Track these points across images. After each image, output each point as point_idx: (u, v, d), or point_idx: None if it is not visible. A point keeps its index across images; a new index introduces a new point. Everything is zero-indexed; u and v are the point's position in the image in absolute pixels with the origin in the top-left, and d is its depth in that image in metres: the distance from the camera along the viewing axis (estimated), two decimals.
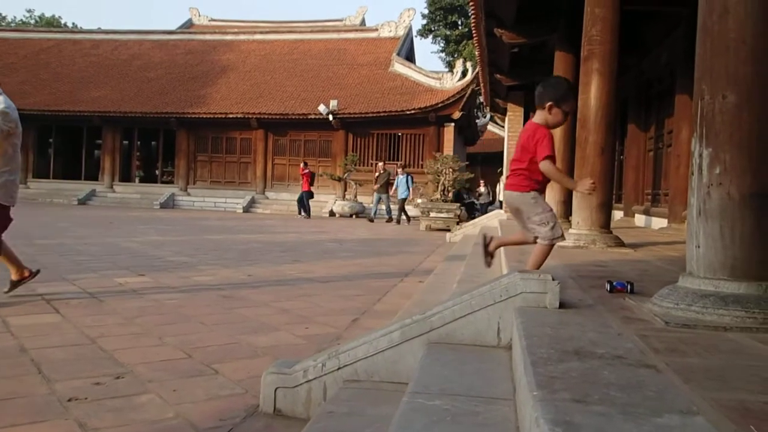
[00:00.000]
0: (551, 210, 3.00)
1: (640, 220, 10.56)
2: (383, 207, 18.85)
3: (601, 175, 5.58)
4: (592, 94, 5.66)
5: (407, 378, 2.23)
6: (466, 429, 1.55)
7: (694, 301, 2.14)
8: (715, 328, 2.00)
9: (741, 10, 2.28)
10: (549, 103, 2.94)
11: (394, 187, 18.63)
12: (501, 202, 22.01)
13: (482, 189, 23.94)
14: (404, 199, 18.00)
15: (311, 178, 20.43)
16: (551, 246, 2.97)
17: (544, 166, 2.87)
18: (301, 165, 20.61)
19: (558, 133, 8.31)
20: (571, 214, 6.13)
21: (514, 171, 3.03)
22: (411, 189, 18.44)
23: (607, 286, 2.82)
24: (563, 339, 1.83)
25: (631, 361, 1.60)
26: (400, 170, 18.88)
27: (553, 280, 2.34)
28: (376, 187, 18.72)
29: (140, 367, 2.99)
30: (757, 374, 1.51)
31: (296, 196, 21.26)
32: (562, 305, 2.33)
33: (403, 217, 17.94)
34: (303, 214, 19.68)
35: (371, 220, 18.36)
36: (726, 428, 1.13)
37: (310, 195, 20.16)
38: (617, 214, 11.77)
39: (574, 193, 5.79)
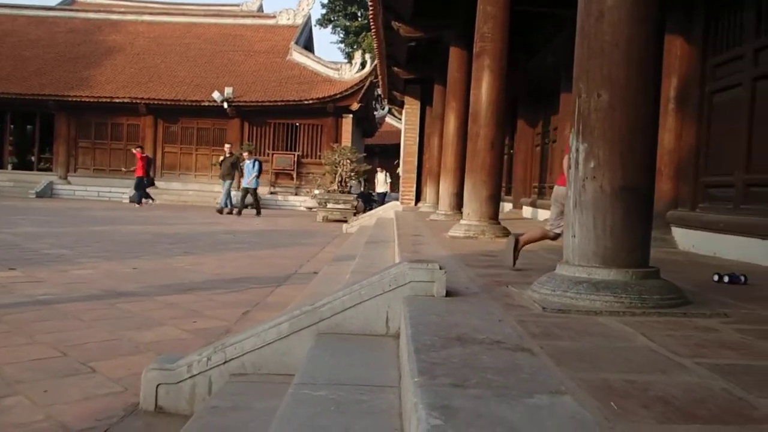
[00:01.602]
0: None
1: (527, 211, 11.04)
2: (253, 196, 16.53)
3: (491, 168, 5.78)
4: (483, 90, 5.83)
5: (296, 370, 2.20)
6: (351, 418, 1.55)
7: (569, 288, 2.26)
8: (587, 312, 2.13)
9: (615, 15, 2.41)
10: None
11: (251, 174, 16.26)
12: (383, 194, 22.11)
13: (380, 176, 23.21)
14: (251, 188, 16.21)
15: (147, 163, 18.62)
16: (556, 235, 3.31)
17: (565, 160, 3.12)
18: (138, 149, 18.98)
19: (451, 126, 8.54)
20: (462, 206, 6.30)
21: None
22: (253, 175, 16.33)
23: (716, 277, 3.10)
24: (447, 326, 1.87)
25: (509, 345, 1.66)
26: (246, 154, 17.05)
27: (441, 269, 2.40)
28: (221, 173, 16.66)
29: (8, 367, 2.77)
30: (621, 355, 1.62)
31: (188, 186, 20.51)
32: (449, 293, 2.38)
33: (233, 207, 16.12)
34: (144, 201, 18.17)
35: (237, 212, 16.02)
36: (590, 405, 1.19)
37: (150, 182, 18.71)
38: (507, 206, 12.26)
39: (465, 185, 5.96)
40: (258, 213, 15.89)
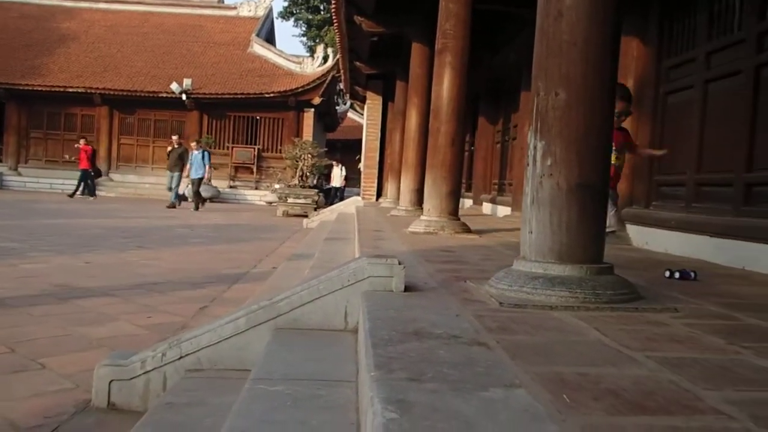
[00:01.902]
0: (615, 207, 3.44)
1: (487, 208, 11.17)
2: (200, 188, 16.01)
3: (451, 164, 5.81)
4: (444, 86, 5.86)
5: (253, 365, 2.18)
6: (307, 412, 1.55)
7: (525, 283, 2.29)
8: (543, 307, 2.16)
9: (573, 15, 2.45)
10: None
11: (200, 165, 15.71)
12: (338, 189, 21.81)
13: (336, 171, 22.71)
14: (200, 180, 15.78)
15: (92, 155, 18.19)
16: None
17: None
18: (82, 141, 18.54)
19: (413, 122, 8.56)
20: (423, 202, 6.33)
21: None
22: (207, 167, 15.89)
23: (667, 273, 3.16)
24: (405, 321, 1.88)
25: (465, 340, 1.68)
26: (194, 145, 16.34)
27: (400, 264, 2.40)
28: (168, 164, 16.05)
29: None
30: (575, 349, 1.65)
31: (145, 179, 20.08)
32: (407, 288, 2.39)
33: (180, 200, 15.59)
34: (87, 194, 17.72)
35: (173, 206, 15.33)
36: (543, 398, 1.21)
37: (98, 173, 18.31)
38: (467, 203, 12.38)
39: (425, 181, 5.98)
40: (196, 208, 15.18)
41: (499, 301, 2.22)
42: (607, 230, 3.36)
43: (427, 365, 1.41)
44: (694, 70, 4.84)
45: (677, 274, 3.18)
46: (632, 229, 5.48)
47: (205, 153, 15.96)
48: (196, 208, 15.08)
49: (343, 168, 22.67)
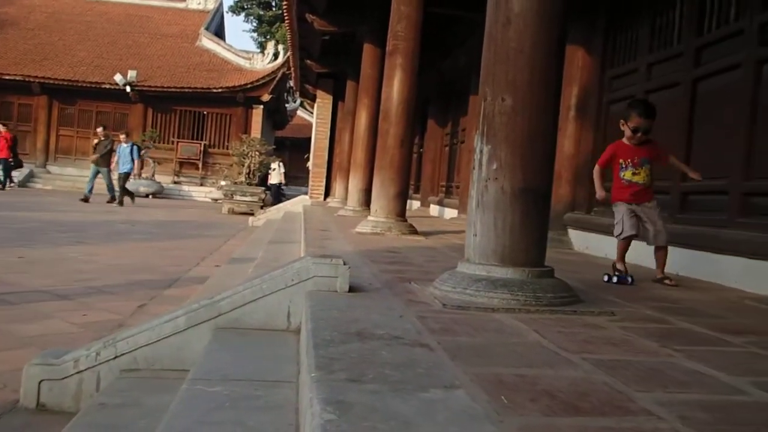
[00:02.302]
0: (621, 217, 3.47)
1: (434, 210, 11.26)
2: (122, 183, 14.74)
3: (400, 166, 5.83)
4: (395, 88, 5.88)
5: (192, 365, 2.13)
6: (246, 413, 1.52)
7: (469, 285, 2.32)
8: (485, 309, 2.19)
9: (521, 22, 2.49)
10: (621, 121, 3.52)
11: (127, 159, 14.64)
12: (277, 186, 21.15)
13: (274, 165, 21.69)
14: (127, 174, 14.71)
15: (12, 144, 17.10)
16: (620, 241, 3.49)
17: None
18: (2, 128, 17.36)
19: (362, 123, 8.56)
20: (371, 203, 6.33)
21: None
22: (136, 161, 14.93)
23: (605, 278, 3.22)
24: (348, 321, 1.87)
25: (407, 341, 1.68)
26: (123, 137, 15.18)
27: (345, 264, 2.39)
28: (93, 157, 14.88)
29: None
30: (513, 350, 1.68)
31: (84, 173, 19.35)
32: (352, 289, 2.38)
33: (126, 196, 14.71)
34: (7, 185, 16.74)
35: (86, 200, 14.26)
36: (481, 399, 1.23)
37: (18, 164, 17.37)
38: (415, 204, 12.45)
39: (374, 182, 5.99)
40: (120, 203, 14.30)
41: (443, 302, 2.24)
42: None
43: (369, 366, 1.41)
44: (635, 81, 5.00)
45: (615, 279, 3.27)
46: (573, 234, 5.62)
47: (134, 146, 15.06)
48: (121, 204, 14.16)
49: (282, 164, 21.98)
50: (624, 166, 3.50)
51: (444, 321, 1.98)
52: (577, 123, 5.71)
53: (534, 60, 2.48)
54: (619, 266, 3.43)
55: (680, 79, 4.37)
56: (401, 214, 5.83)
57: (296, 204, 12.69)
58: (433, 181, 11.97)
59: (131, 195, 14.95)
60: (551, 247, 3.39)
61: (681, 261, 3.78)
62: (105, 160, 14.67)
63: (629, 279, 3.29)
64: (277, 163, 20.57)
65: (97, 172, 14.65)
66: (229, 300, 2.33)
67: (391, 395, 1.22)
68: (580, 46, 5.68)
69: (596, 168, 3.65)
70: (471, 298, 2.27)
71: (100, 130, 15.54)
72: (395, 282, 2.76)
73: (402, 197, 5.91)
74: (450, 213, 9.87)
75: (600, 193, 3.61)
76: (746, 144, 3.66)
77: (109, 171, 14.79)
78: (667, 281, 3.38)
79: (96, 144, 15.09)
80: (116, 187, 14.55)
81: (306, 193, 15.76)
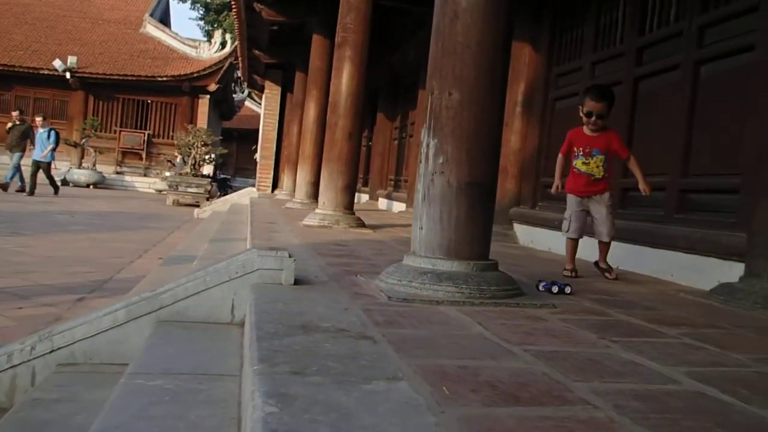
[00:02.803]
0: (570, 215, 3.45)
1: (383, 203, 11.29)
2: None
3: (348, 159, 5.82)
4: (343, 80, 5.85)
5: (132, 359, 2.08)
6: (187, 407, 1.49)
7: (414, 278, 2.33)
8: (430, 302, 2.20)
9: (468, 17, 2.51)
10: (579, 107, 3.45)
11: (45, 146, 13.74)
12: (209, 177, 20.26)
13: (179, 160, 20.39)
14: (48, 164, 13.92)
15: None
16: (568, 239, 3.48)
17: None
18: None
19: (311, 115, 8.50)
20: (319, 195, 6.29)
21: None
22: (49, 147, 13.80)
23: (540, 287, 2.75)
24: (293, 314, 1.86)
25: (352, 333, 1.68)
26: (39, 120, 14.20)
27: (290, 257, 2.37)
28: (6, 143, 14.14)
29: None
30: (457, 342, 1.70)
31: (22, 161, 18.58)
32: (298, 282, 2.37)
33: (23, 185, 13.65)
34: None
35: (4, 188, 13.43)
36: (424, 390, 1.24)
37: None
38: (363, 197, 12.46)
39: (322, 175, 5.96)
40: (56, 192, 13.65)
41: (388, 295, 2.24)
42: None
43: (312, 358, 1.40)
44: (580, 78, 5.11)
45: (555, 288, 2.77)
46: (519, 228, 5.73)
47: (52, 131, 14.10)
48: (31, 194, 13.10)
49: (213, 155, 20.79)
50: (577, 154, 3.43)
51: (389, 314, 1.99)
52: (524, 119, 5.81)
53: (481, 55, 2.50)
54: (567, 266, 3.43)
55: (622, 78, 4.49)
56: (349, 207, 5.82)
57: (243, 196, 12.50)
58: (382, 175, 11.99)
59: (56, 186, 14.11)
60: (497, 241, 3.45)
61: (621, 255, 3.89)
62: (19, 145, 13.86)
63: (566, 288, 2.76)
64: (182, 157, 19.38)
65: (18, 157, 13.76)
66: (172, 292, 2.28)
67: (334, 387, 1.21)
68: (527, 43, 5.78)
69: (559, 156, 3.57)
70: (416, 290, 2.29)
71: (15, 113, 14.67)
72: (342, 275, 2.75)
73: (350, 190, 5.89)
74: (398, 206, 9.92)
75: (554, 186, 3.58)
76: (684, 142, 3.80)
77: (21, 157, 13.83)
78: (607, 274, 3.41)
79: (9, 128, 14.18)
80: (26, 177, 13.54)
81: (253, 185, 15.56)
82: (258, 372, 1.28)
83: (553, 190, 3.64)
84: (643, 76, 4.33)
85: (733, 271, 3.07)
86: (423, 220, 2.47)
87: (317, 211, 5.72)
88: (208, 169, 19.83)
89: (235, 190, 16.65)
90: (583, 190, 3.43)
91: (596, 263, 3.51)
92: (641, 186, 3.38)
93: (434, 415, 1.11)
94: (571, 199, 3.47)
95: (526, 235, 5.55)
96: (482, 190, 2.49)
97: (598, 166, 3.37)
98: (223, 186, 20.15)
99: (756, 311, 2.62)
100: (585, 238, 3.57)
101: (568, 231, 3.46)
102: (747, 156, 3.21)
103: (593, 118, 3.34)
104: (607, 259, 3.54)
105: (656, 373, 1.55)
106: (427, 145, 2.52)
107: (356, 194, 7.83)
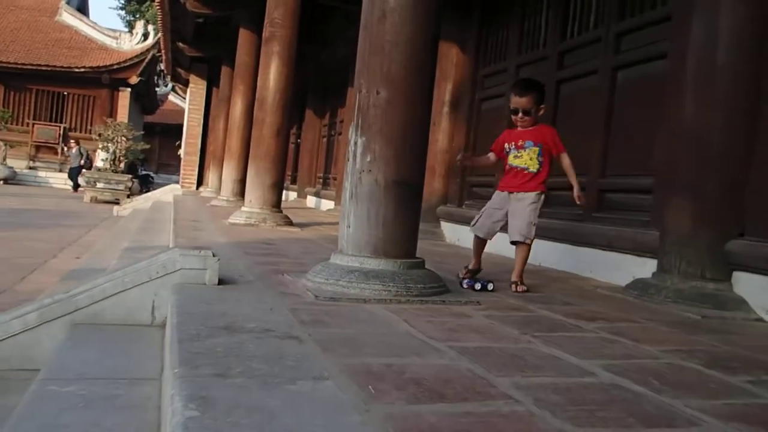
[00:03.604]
0: (483, 210, 3.21)
1: (311, 201, 11.21)
2: None
3: (275, 156, 5.74)
4: (271, 76, 5.77)
5: (45, 364, 1.98)
6: (102, 413, 1.43)
7: (341, 276, 2.33)
8: (357, 300, 2.20)
9: (396, 17, 2.52)
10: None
11: None
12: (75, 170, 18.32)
13: (74, 151, 18.96)
14: None
15: None
16: (474, 237, 3.23)
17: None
18: None
19: (238, 111, 8.35)
20: (245, 193, 6.18)
21: None
22: None
23: (465, 285, 2.74)
24: (216, 315, 1.81)
25: (278, 333, 1.66)
26: None
27: (214, 256, 2.32)
28: None
29: None
30: (383, 340, 1.70)
31: None
32: (222, 282, 2.32)
33: None
34: None
35: None
36: (349, 389, 1.23)
37: None
38: (291, 195, 12.33)
39: (248, 172, 5.85)
40: None
41: (315, 294, 2.23)
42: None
43: (236, 360, 1.37)
44: (505, 80, 5.23)
45: (478, 285, 2.80)
46: (446, 226, 5.81)
47: None
48: None
49: (82, 148, 19.14)
50: (508, 150, 3.13)
51: (316, 313, 1.97)
52: (451, 118, 5.89)
53: (409, 54, 2.52)
54: (471, 263, 3.16)
55: (545, 81, 4.62)
56: (276, 205, 5.75)
57: (166, 193, 12.11)
58: (310, 172, 11.91)
59: None
60: (424, 239, 3.48)
61: (543, 253, 4.02)
62: None
63: (489, 285, 2.80)
64: (78, 148, 18.14)
65: None
66: (88, 294, 2.18)
67: (258, 389, 1.19)
68: (454, 44, 5.87)
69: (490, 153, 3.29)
70: (343, 289, 2.28)
71: None
72: (268, 274, 2.71)
73: (277, 188, 5.82)
74: (327, 204, 9.88)
75: (462, 154, 3.76)
76: (602, 144, 3.96)
77: None
78: (513, 286, 2.93)
79: None
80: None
81: (177, 182, 15.11)
82: (178, 375, 1.24)
83: (459, 155, 3.66)
84: (565, 79, 4.48)
85: (646, 268, 3.22)
86: (351, 219, 2.46)
87: (244, 209, 5.61)
88: (75, 162, 17.82)
89: (158, 187, 16.08)
90: (512, 183, 3.11)
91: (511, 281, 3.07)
92: (575, 193, 3.07)
93: (359, 414, 1.11)
94: (494, 196, 3.22)
95: (453, 233, 5.64)
96: (410, 188, 2.51)
97: (531, 158, 3.05)
98: (145, 182, 19.45)
99: (667, 305, 2.76)
100: (506, 236, 3.61)
101: (474, 225, 3.18)
102: (659, 158, 3.37)
103: (519, 115, 3.05)
104: (530, 259, 3.18)
105: (574, 366, 1.60)
106: (355, 143, 2.51)
107: (284, 192, 7.75)
